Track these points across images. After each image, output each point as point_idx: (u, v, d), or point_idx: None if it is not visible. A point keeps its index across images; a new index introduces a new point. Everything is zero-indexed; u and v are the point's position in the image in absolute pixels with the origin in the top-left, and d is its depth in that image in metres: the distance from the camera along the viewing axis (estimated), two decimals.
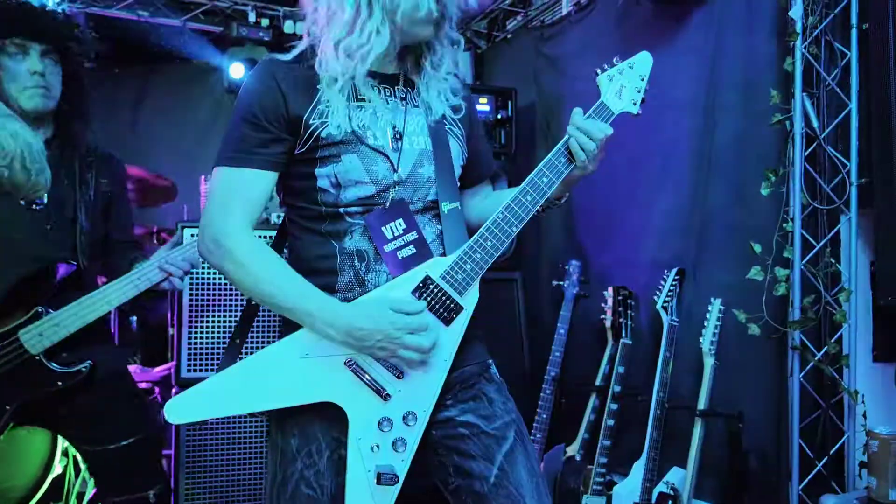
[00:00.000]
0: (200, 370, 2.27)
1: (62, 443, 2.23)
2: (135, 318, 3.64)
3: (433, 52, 1.28)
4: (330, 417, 1.16)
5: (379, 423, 1.15)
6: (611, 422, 2.39)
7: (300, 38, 1.27)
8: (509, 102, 3.25)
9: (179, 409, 1.11)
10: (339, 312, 1.14)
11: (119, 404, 1.76)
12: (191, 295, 2.28)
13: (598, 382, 2.62)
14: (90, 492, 2.15)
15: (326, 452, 1.17)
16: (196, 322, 2.29)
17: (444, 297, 1.18)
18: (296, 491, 1.17)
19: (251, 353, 1.17)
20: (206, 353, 2.29)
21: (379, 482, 1.12)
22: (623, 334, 2.48)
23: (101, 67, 1.84)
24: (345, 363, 1.15)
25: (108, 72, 4.10)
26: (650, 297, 2.41)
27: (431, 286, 1.18)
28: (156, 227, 3.34)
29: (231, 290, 2.33)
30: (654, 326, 2.40)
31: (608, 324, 2.58)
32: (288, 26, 3.74)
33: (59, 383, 1.63)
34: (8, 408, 1.62)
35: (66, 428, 1.77)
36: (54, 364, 1.64)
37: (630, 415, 2.44)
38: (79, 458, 2.13)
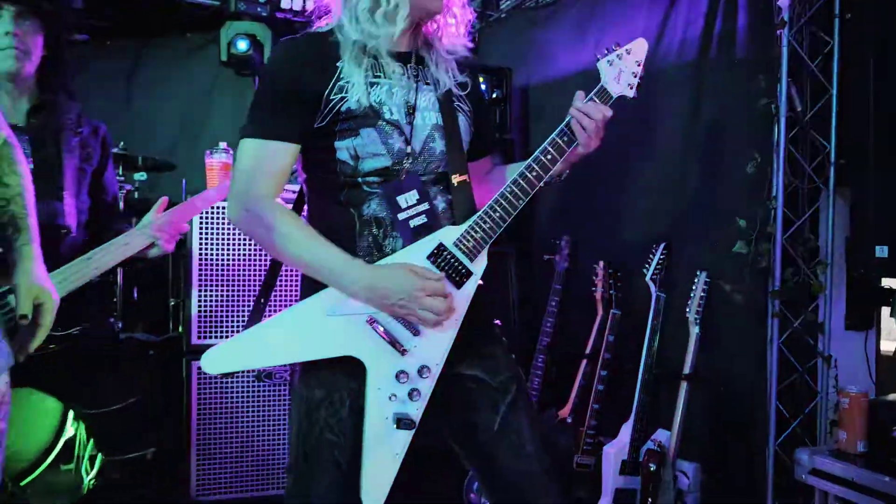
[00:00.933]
0: (212, 337, 2.36)
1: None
2: (136, 287, 3.69)
3: (442, 29, 1.36)
4: (351, 370, 1.25)
5: (397, 376, 1.26)
6: (601, 387, 2.52)
7: (298, 14, 1.32)
8: (504, 81, 3.31)
9: (216, 360, 1.20)
10: (363, 272, 1.23)
11: (113, 368, 1.78)
12: (200, 263, 2.35)
13: (588, 351, 2.75)
14: (93, 454, 2.18)
15: (348, 401, 1.26)
16: (205, 290, 2.36)
17: (455, 263, 1.28)
18: (321, 437, 1.26)
19: (274, 312, 1.26)
20: (217, 320, 2.37)
21: (398, 426, 1.23)
22: (613, 305, 2.61)
23: (93, 40, 1.82)
24: (367, 321, 1.25)
25: (100, 44, 4.08)
26: (639, 269, 2.53)
27: (445, 252, 1.27)
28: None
29: (240, 256, 2.40)
30: (642, 298, 2.52)
31: (598, 296, 2.70)
32: (285, 2, 3.74)
33: (52, 346, 1.60)
34: None
35: (64, 391, 1.78)
36: None
37: (619, 380, 2.57)
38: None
